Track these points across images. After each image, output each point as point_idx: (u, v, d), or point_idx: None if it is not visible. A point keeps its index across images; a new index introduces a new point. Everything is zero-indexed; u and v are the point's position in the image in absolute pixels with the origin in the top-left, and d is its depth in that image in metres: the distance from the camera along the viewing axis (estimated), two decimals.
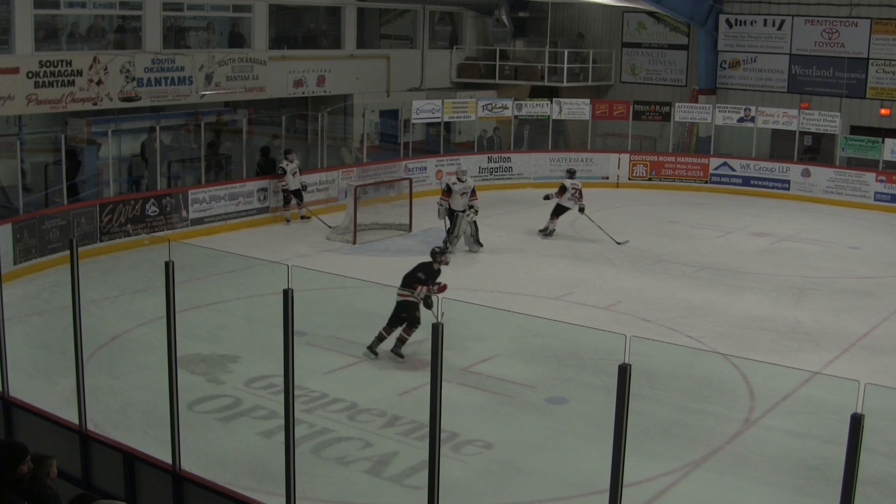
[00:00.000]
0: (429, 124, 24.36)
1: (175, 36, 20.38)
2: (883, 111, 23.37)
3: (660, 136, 25.66)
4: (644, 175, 24.30)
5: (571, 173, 18.62)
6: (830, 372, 11.14)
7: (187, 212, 17.68)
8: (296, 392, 6.19)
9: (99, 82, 17.89)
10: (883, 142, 21.79)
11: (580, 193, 18.20)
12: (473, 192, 17.05)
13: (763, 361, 11.22)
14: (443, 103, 23.07)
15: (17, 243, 14.42)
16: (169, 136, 19.76)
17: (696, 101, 25.06)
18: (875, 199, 21.95)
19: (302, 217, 19.28)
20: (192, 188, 18.04)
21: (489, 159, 23.70)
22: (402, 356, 11.28)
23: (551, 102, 24.34)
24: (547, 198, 18.46)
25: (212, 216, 18.12)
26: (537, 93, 25.88)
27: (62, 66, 17.30)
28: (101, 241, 16.16)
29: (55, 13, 18.13)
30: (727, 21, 25.36)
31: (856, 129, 23.32)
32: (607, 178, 24.29)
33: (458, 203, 16.88)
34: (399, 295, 11.27)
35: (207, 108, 20.67)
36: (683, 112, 24.32)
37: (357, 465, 8.76)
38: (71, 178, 16.66)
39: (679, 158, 24.37)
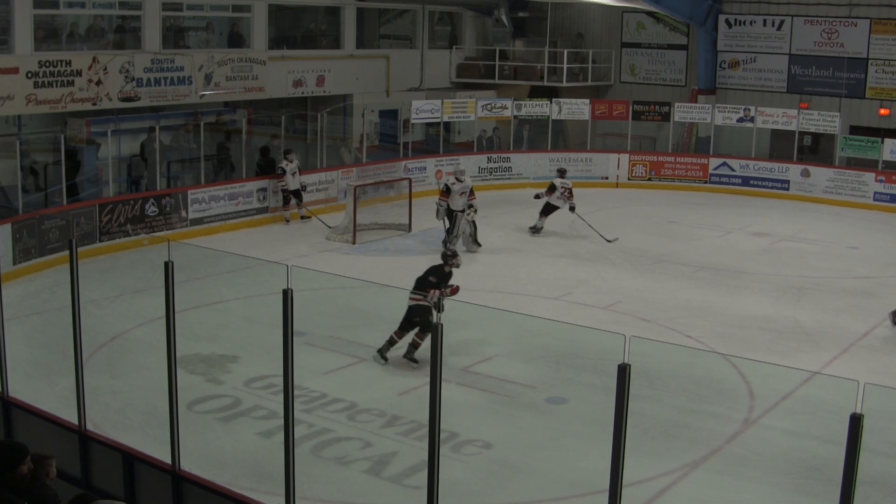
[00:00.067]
0: (428, 124, 24.36)
1: (174, 36, 20.37)
2: (882, 111, 23.38)
3: (658, 134, 25.67)
4: (643, 175, 24.30)
5: (562, 172, 18.75)
6: (830, 372, 11.14)
7: (187, 212, 17.68)
8: (295, 392, 6.19)
9: (98, 82, 17.89)
10: (882, 142, 21.80)
11: (570, 192, 18.33)
12: (472, 191, 17.09)
13: (762, 361, 11.22)
14: (442, 103, 23.07)
15: (17, 243, 14.42)
16: (168, 136, 19.76)
17: (696, 101, 25.06)
18: (874, 199, 21.96)
19: (301, 217, 19.28)
20: (191, 188, 18.04)
21: (489, 159, 23.70)
22: (416, 361, 11.07)
23: (551, 102, 24.35)
24: (538, 196, 18.59)
25: (211, 216, 18.12)
26: (537, 93, 25.89)
27: (61, 66, 17.30)
28: (100, 241, 16.16)
29: (55, 13, 18.12)
30: (727, 21, 25.36)
31: (855, 129, 23.33)
32: (607, 178, 24.30)
33: (457, 203, 16.89)
34: (411, 299, 11.06)
35: (207, 109, 20.67)
36: (683, 112, 24.32)
37: (357, 465, 8.77)
38: (70, 179, 16.65)
39: (678, 158, 24.38)
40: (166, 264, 6.55)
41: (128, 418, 9.49)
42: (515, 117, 24.33)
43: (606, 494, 5.19)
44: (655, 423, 9.64)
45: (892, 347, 12.50)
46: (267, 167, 19.63)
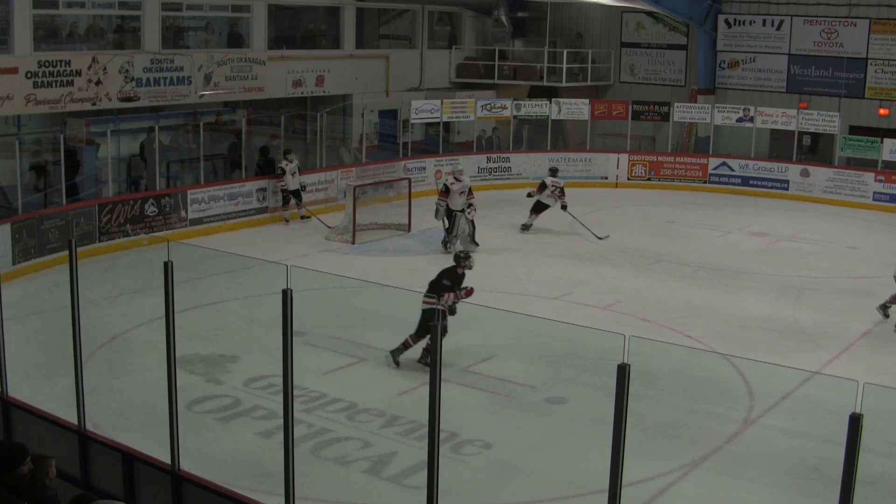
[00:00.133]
0: (428, 124, 24.35)
1: (174, 36, 20.37)
2: (882, 111, 23.38)
3: (658, 134, 25.66)
4: (643, 175, 24.30)
5: (554, 171, 18.94)
6: (829, 372, 11.15)
7: (186, 212, 17.67)
8: (295, 392, 6.19)
9: (98, 82, 17.89)
10: (882, 142, 21.80)
11: (561, 191, 18.49)
12: (470, 190, 17.11)
13: (762, 361, 11.22)
14: (442, 103, 23.07)
15: (16, 243, 14.41)
16: (168, 136, 19.76)
17: (695, 101, 25.06)
18: (874, 199, 21.96)
19: (301, 217, 19.28)
20: (190, 188, 18.03)
21: (488, 159, 23.70)
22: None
23: (550, 102, 24.35)
24: (530, 195, 18.78)
25: (211, 216, 18.12)
26: (536, 93, 25.88)
27: (61, 66, 17.29)
28: (99, 241, 16.15)
29: (54, 13, 18.12)
30: (726, 21, 25.37)
31: (854, 129, 23.33)
32: (606, 178, 24.30)
33: (456, 203, 16.89)
34: (425, 302, 10.89)
35: (206, 109, 20.66)
36: (682, 112, 24.33)
37: (356, 465, 8.76)
38: (70, 179, 16.65)
39: (678, 158, 24.38)
40: (166, 264, 6.55)
41: (127, 418, 9.49)
42: (515, 117, 24.33)
43: (606, 494, 5.19)
44: (655, 423, 9.64)
45: (892, 347, 12.50)
46: (266, 167, 19.63)
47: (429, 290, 11.08)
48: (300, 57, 22.65)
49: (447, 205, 16.92)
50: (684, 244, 18.12)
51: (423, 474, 5.83)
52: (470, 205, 16.92)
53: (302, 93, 22.62)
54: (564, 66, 26.12)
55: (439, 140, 23.48)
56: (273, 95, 21.79)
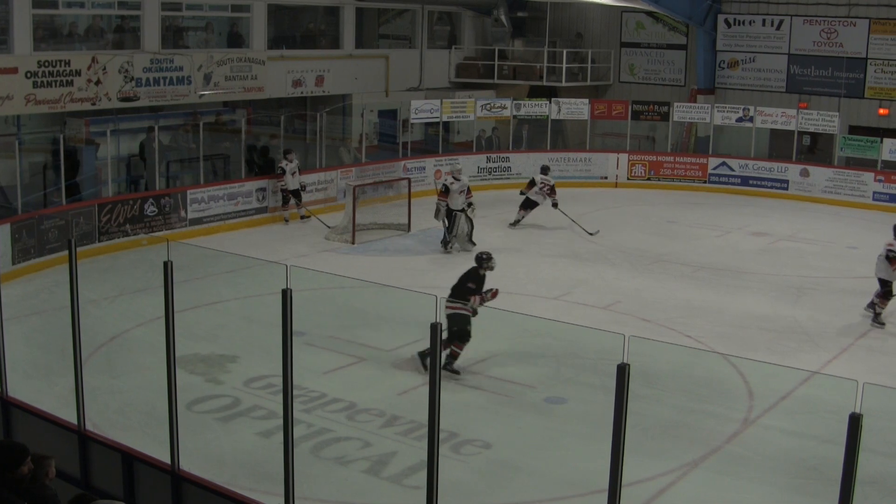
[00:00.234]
0: (427, 124, 24.35)
1: (174, 36, 20.37)
2: (881, 111, 23.38)
3: (658, 134, 25.66)
4: (643, 175, 24.30)
5: (544, 170, 19.15)
6: (829, 372, 11.14)
7: (186, 212, 17.67)
8: (295, 392, 6.19)
9: (97, 82, 17.89)
10: (881, 141, 21.80)
11: (551, 189, 18.72)
12: (468, 189, 17.14)
13: (762, 361, 11.22)
14: (441, 103, 23.06)
15: (16, 243, 14.41)
16: (167, 136, 19.75)
17: (695, 101, 25.06)
18: (873, 199, 21.95)
19: (301, 217, 19.28)
20: (190, 188, 18.03)
21: (488, 159, 23.70)
22: (458, 372, 10.78)
23: (550, 102, 24.34)
24: (522, 193, 19.04)
25: (210, 216, 18.12)
26: (536, 93, 25.88)
27: (61, 66, 17.29)
28: (99, 241, 16.15)
29: (54, 13, 18.11)
30: (726, 21, 25.36)
31: (854, 129, 23.33)
32: (606, 177, 24.29)
33: (456, 202, 16.90)
34: (448, 307, 10.70)
35: (206, 108, 20.66)
36: (682, 112, 24.32)
37: (356, 465, 8.76)
38: (70, 178, 16.65)
39: (678, 158, 24.38)
40: (165, 264, 6.55)
41: (127, 418, 9.49)
42: (514, 117, 24.33)
43: (606, 494, 5.19)
44: (655, 423, 9.63)
45: (891, 347, 12.50)
46: (266, 167, 19.62)
47: (451, 295, 10.92)
48: (300, 57, 22.65)
49: (447, 205, 16.93)
50: (684, 244, 18.11)
51: (423, 474, 5.84)
52: (470, 204, 16.94)
53: (302, 93, 22.62)
54: (564, 65, 26.12)
55: (439, 140, 23.48)
56: (273, 95, 21.79)
